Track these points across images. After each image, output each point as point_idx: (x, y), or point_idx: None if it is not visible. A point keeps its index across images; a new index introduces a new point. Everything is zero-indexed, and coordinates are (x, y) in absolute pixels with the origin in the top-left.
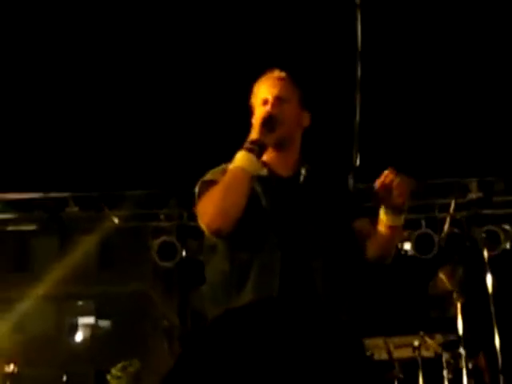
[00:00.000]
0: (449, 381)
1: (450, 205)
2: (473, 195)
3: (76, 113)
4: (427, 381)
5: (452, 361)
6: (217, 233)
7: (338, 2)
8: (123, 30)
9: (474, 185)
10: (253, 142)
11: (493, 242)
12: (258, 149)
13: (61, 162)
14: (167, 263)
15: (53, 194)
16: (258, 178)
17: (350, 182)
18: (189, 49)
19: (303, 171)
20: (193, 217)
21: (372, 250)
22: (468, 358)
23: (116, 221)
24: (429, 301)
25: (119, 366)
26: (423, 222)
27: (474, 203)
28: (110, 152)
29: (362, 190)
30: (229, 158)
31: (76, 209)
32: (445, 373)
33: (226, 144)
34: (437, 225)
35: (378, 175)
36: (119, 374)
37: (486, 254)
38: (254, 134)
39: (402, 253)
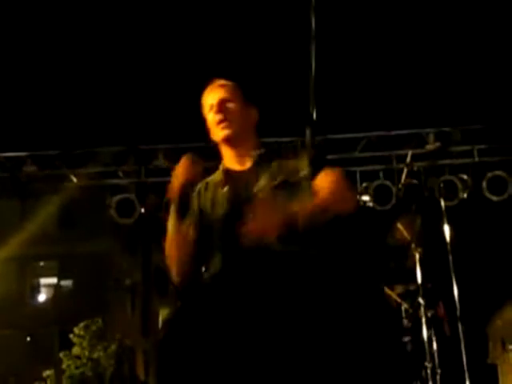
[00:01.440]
0: (408, 330)
1: (407, 156)
2: (430, 146)
3: (35, 68)
4: None
5: (411, 310)
6: (182, 283)
7: None
8: None
9: (431, 135)
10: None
11: (450, 192)
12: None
13: (18, 121)
14: (126, 220)
15: (10, 154)
16: (225, 172)
17: (308, 134)
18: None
19: (257, 159)
20: (151, 173)
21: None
22: (427, 307)
23: (74, 180)
24: (388, 251)
25: (82, 325)
26: (381, 174)
27: (431, 154)
28: (68, 110)
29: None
30: (186, 115)
31: (34, 168)
32: (404, 322)
33: (180, 102)
34: (394, 176)
35: (335, 128)
36: (82, 332)
37: (443, 203)
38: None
39: (361, 204)
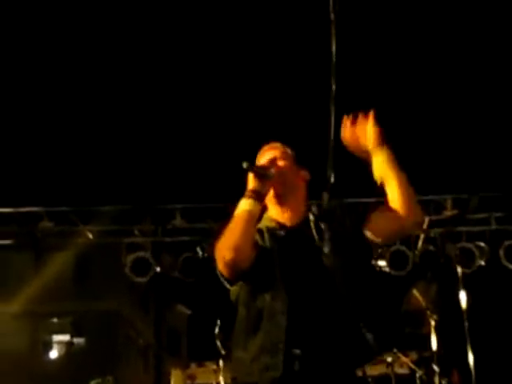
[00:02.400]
0: None
1: (424, 222)
2: (448, 212)
3: (51, 128)
4: None
5: (425, 378)
6: (232, 266)
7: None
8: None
9: (448, 202)
10: (250, 191)
11: (467, 259)
12: (255, 195)
13: (35, 176)
14: (141, 279)
15: (26, 209)
16: (268, 230)
17: (325, 197)
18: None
19: (311, 217)
20: (167, 233)
21: (395, 206)
22: (441, 374)
23: (90, 236)
24: (403, 317)
25: (94, 383)
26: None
27: (449, 220)
28: (85, 167)
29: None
30: (205, 175)
31: (50, 224)
32: None
33: (203, 162)
34: (411, 241)
35: (352, 191)
36: None
37: (459, 270)
38: (250, 185)
39: (377, 269)
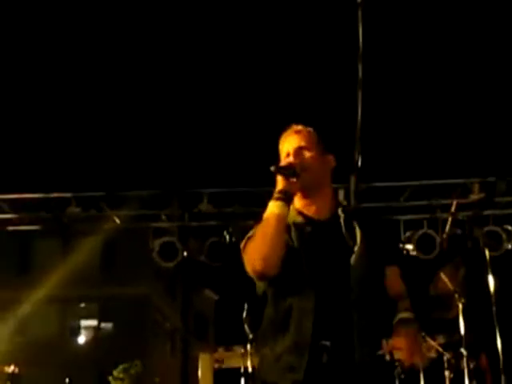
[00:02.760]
0: (450, 381)
1: (451, 205)
2: (475, 196)
3: (79, 113)
4: (428, 381)
5: (453, 361)
6: (262, 275)
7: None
8: (121, 31)
9: (476, 185)
10: (278, 192)
11: (494, 242)
12: (284, 196)
13: (63, 162)
14: (168, 264)
15: (54, 195)
16: (295, 225)
17: (353, 181)
18: (187, 50)
19: (340, 212)
20: (194, 217)
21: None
22: (469, 358)
23: (118, 221)
24: (430, 301)
25: (121, 367)
26: (425, 223)
27: (476, 204)
28: (112, 152)
29: (391, 234)
30: (232, 159)
31: (78, 209)
32: (446, 373)
33: (229, 146)
34: (439, 225)
35: (380, 175)
36: (121, 375)
37: (487, 254)
38: (279, 185)
39: (404, 252)
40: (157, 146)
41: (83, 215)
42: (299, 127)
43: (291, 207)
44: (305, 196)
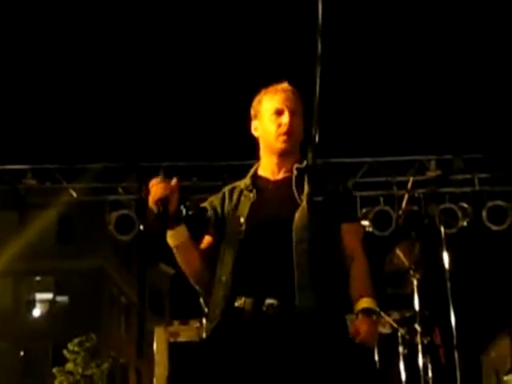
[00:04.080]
0: (404, 356)
1: (408, 182)
2: (431, 173)
3: (37, 84)
4: (383, 356)
5: (407, 337)
6: (201, 283)
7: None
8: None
9: (432, 163)
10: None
11: (450, 219)
12: (170, 223)
13: (19, 133)
14: (124, 237)
15: (10, 166)
16: (247, 187)
17: (310, 157)
18: (146, 21)
19: (294, 170)
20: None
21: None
22: (423, 334)
23: (74, 194)
24: (385, 277)
25: (76, 341)
26: (381, 199)
27: (433, 181)
28: (70, 124)
29: (350, 191)
30: (189, 132)
31: (34, 181)
32: (400, 349)
33: (187, 119)
34: (395, 202)
35: (337, 151)
36: (76, 349)
37: (443, 231)
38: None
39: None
40: (115, 118)
41: (39, 187)
42: (290, 86)
43: (252, 169)
44: (278, 156)
